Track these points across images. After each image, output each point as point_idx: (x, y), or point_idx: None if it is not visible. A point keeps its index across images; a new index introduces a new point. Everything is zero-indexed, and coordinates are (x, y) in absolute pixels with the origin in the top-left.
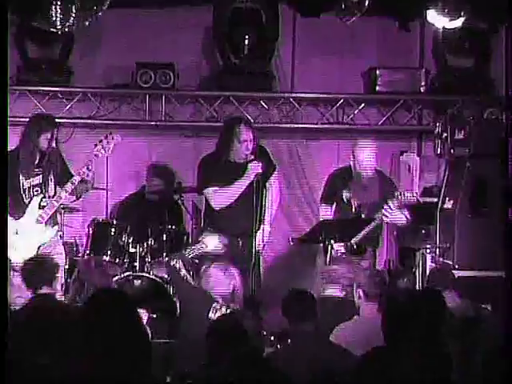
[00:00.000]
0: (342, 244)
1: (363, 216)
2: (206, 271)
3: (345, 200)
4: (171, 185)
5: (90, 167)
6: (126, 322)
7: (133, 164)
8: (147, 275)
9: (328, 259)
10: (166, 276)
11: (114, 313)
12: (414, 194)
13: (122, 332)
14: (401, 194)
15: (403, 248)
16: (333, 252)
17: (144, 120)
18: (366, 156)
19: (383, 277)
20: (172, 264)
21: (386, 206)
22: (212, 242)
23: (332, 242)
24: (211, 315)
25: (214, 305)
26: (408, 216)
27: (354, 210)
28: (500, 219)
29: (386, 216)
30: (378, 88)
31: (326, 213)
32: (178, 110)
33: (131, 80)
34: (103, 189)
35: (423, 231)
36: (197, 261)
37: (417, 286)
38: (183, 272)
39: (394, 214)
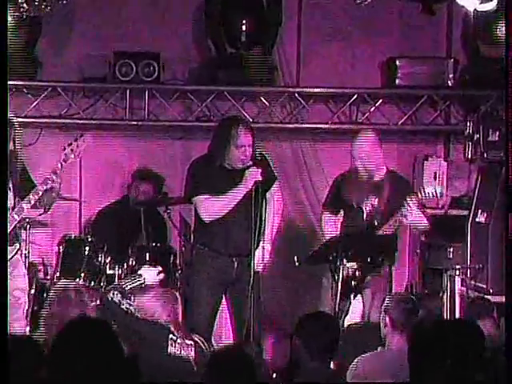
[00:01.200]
0: (354, 264)
1: (376, 223)
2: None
3: (354, 205)
4: (159, 192)
5: (57, 174)
6: (108, 357)
7: (110, 171)
8: (128, 301)
9: (340, 281)
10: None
11: (95, 346)
12: (437, 192)
13: (103, 368)
14: (420, 191)
15: (428, 269)
16: (345, 272)
17: (124, 119)
18: (370, 152)
19: (413, 302)
20: (110, 298)
21: (405, 204)
22: (150, 274)
23: (344, 260)
24: (171, 349)
25: (170, 336)
26: (427, 221)
27: (365, 216)
28: None
29: (406, 216)
30: (397, 81)
31: (330, 223)
32: (164, 107)
33: (108, 72)
34: (76, 200)
35: (451, 249)
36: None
37: (444, 313)
38: (125, 305)
39: (415, 215)
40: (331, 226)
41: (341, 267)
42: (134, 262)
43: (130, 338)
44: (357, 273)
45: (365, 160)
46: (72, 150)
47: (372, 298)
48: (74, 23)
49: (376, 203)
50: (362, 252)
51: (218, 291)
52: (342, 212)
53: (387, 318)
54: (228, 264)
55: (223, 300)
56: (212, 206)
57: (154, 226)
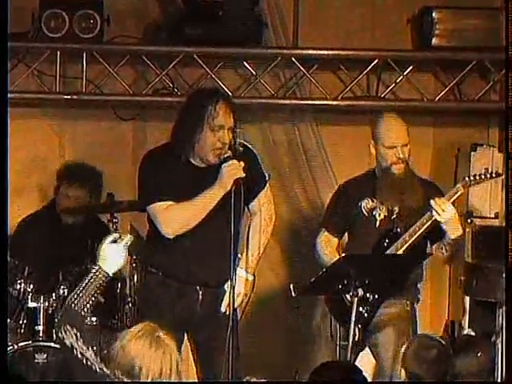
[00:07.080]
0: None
1: (398, 230)
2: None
3: (365, 212)
4: (98, 196)
5: None
6: None
7: (33, 164)
8: (56, 345)
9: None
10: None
11: None
12: (484, 175)
13: None
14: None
15: (475, 302)
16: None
17: (53, 92)
18: (394, 140)
19: (442, 348)
20: (61, 336)
21: (432, 202)
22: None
23: (360, 290)
24: None
25: None
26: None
27: (378, 223)
28: None
29: (438, 213)
30: (434, 41)
31: (325, 245)
32: (109, 75)
33: (32, 27)
34: None
35: None
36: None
37: (498, 364)
38: (81, 348)
39: (448, 213)
40: (327, 248)
41: (355, 299)
42: (66, 292)
43: None
44: (363, 309)
45: (390, 148)
46: None
47: (384, 346)
48: None
49: (395, 205)
50: (372, 278)
51: (175, 332)
52: (345, 237)
53: (402, 373)
54: (190, 296)
55: (184, 343)
56: (176, 217)
57: (94, 240)
